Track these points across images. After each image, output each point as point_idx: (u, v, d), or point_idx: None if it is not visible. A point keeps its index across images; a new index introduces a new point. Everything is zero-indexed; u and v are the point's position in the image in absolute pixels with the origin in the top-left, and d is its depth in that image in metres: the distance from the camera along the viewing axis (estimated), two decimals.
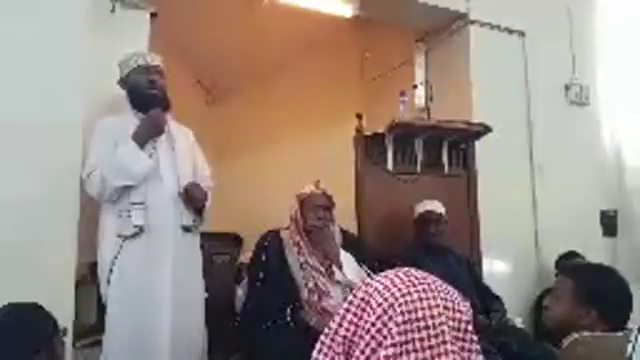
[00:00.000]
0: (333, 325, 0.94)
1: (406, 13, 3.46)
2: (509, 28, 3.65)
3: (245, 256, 3.23)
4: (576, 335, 1.53)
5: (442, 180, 3.15)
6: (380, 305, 0.87)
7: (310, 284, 2.30)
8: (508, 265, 3.36)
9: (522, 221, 3.53)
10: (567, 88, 3.83)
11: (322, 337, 0.95)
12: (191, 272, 2.32)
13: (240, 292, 2.63)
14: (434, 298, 0.89)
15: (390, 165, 3.04)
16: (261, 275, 2.35)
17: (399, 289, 0.89)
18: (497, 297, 2.79)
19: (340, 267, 2.38)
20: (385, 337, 0.84)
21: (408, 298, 0.87)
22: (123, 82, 2.38)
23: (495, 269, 3.24)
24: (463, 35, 3.52)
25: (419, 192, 2.99)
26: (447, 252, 2.79)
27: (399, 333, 0.83)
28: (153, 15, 2.79)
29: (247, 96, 5.14)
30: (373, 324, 0.87)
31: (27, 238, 2.08)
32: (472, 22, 3.49)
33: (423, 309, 0.87)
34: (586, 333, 1.55)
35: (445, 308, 0.88)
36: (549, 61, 3.76)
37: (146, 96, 2.31)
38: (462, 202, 3.18)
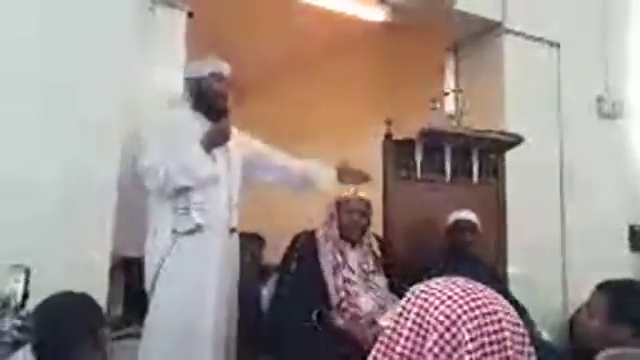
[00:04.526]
0: (386, 340, 0.89)
1: (440, 20, 3.45)
2: (543, 38, 3.61)
3: (269, 257, 3.24)
4: (611, 351, 1.51)
5: (471, 189, 3.12)
6: (442, 323, 0.83)
7: (341, 290, 2.30)
8: (535, 277, 3.31)
9: (550, 233, 3.49)
10: (599, 101, 3.78)
11: (374, 352, 0.90)
12: (234, 271, 2.40)
13: (265, 292, 2.64)
14: (495, 312, 0.85)
15: (419, 172, 3.02)
16: (292, 275, 2.35)
17: (459, 305, 0.85)
18: (523, 309, 2.75)
19: None
20: (449, 355, 0.81)
21: (471, 314, 0.84)
22: (193, 82, 2.43)
23: (522, 281, 3.19)
24: (496, 44, 3.49)
25: (447, 201, 2.96)
26: (478, 262, 2.75)
27: (468, 352, 0.80)
28: (190, 15, 2.84)
29: (275, 98, 5.15)
30: (435, 342, 0.83)
31: (61, 234, 2.11)
32: (506, 31, 3.46)
33: (487, 324, 0.83)
34: (619, 350, 1.53)
35: (507, 322, 0.85)
36: (582, 73, 3.72)
37: (217, 104, 2.40)
38: (490, 212, 3.14)
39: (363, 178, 2.63)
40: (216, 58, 2.48)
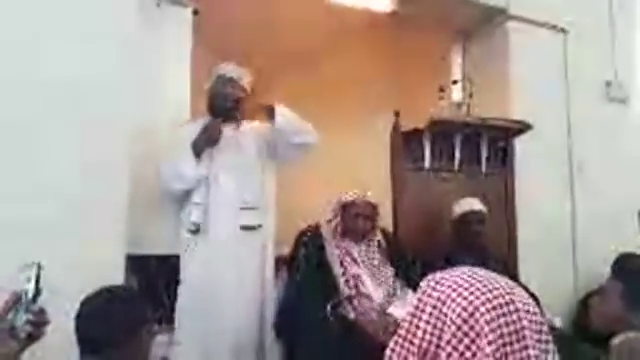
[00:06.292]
0: (403, 333, 0.90)
1: (445, 8, 3.43)
2: (549, 24, 3.58)
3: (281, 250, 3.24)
4: (630, 335, 1.53)
5: (480, 178, 3.12)
6: (459, 315, 0.83)
7: (350, 282, 2.31)
8: (545, 264, 3.30)
9: (560, 219, 3.48)
10: (608, 85, 3.76)
11: (392, 345, 0.91)
12: (250, 268, 2.40)
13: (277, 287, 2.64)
14: (512, 302, 0.85)
15: (427, 162, 3.02)
16: (300, 270, 2.36)
17: (477, 297, 0.84)
18: (534, 296, 2.75)
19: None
20: (468, 347, 0.81)
21: (489, 305, 0.83)
22: (208, 89, 2.54)
23: (532, 268, 3.19)
24: (502, 31, 3.47)
25: (456, 190, 2.97)
26: (487, 252, 2.74)
27: (489, 343, 0.80)
28: (195, 12, 2.84)
29: (281, 92, 5.14)
30: (453, 334, 0.83)
31: (74, 233, 2.11)
32: (512, 18, 3.43)
33: (504, 315, 0.83)
34: (633, 334, 1.54)
35: (524, 312, 0.85)
36: (590, 58, 3.69)
37: (223, 106, 2.46)
38: (499, 200, 3.14)
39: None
40: (231, 63, 2.53)
